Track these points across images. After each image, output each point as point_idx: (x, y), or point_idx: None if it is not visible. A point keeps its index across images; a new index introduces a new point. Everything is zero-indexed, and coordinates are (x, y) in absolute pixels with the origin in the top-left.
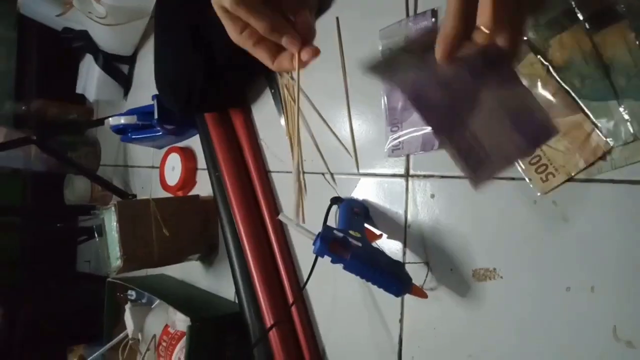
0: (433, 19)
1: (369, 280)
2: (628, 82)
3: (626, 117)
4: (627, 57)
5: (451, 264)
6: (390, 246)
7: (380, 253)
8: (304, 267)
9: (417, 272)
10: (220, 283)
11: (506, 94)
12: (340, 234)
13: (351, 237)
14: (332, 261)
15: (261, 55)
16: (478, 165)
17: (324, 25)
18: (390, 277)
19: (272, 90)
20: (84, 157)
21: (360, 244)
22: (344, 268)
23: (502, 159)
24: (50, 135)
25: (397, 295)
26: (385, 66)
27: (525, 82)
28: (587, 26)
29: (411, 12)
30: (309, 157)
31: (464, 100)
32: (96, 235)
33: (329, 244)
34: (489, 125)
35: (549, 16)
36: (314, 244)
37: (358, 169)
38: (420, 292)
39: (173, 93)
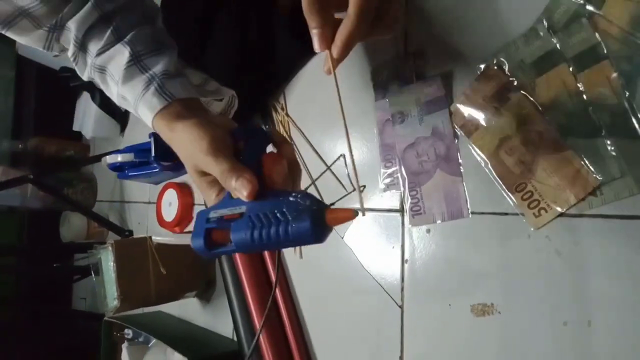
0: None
1: (273, 247)
2: (613, 120)
3: (613, 153)
4: (611, 96)
5: (449, 299)
6: (388, 281)
7: (274, 199)
8: (304, 300)
9: (416, 308)
10: (218, 320)
11: None
12: (215, 215)
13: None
14: (220, 253)
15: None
16: None
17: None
18: (295, 225)
19: (267, 127)
20: (80, 193)
21: (243, 209)
22: (235, 252)
23: None
24: (47, 173)
25: (314, 239)
26: None
27: (512, 122)
28: (572, 66)
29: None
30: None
31: None
32: (93, 274)
33: (210, 238)
34: None
35: (534, 56)
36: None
37: (362, 207)
38: (341, 215)
39: None
